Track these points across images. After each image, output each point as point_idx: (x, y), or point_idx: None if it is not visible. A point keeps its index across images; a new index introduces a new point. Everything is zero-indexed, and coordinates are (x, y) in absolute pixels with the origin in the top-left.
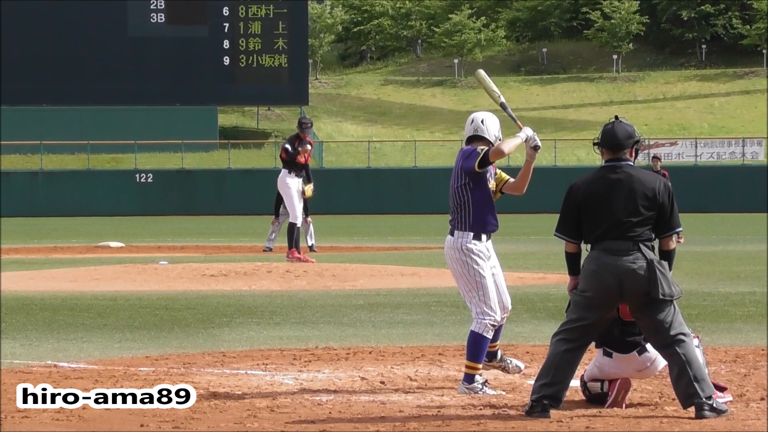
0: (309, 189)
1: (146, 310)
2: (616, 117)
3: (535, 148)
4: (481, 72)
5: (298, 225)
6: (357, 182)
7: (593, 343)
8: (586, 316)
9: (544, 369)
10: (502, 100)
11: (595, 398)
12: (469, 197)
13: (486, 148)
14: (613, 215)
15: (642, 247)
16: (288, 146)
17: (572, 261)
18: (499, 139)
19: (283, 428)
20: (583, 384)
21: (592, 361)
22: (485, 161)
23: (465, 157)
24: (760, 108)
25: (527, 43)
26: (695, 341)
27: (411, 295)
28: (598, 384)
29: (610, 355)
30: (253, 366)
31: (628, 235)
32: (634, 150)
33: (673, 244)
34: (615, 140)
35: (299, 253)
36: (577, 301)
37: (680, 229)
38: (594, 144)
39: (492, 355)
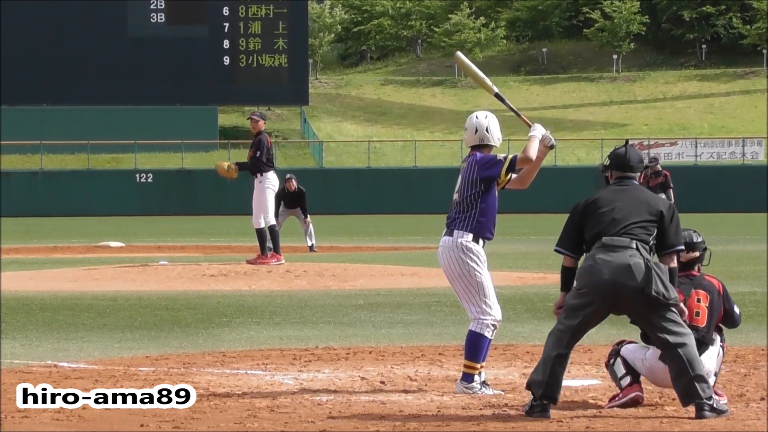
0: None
1: (146, 310)
2: (627, 141)
3: (551, 147)
4: (460, 55)
5: (258, 227)
6: (357, 182)
7: (649, 342)
8: (580, 314)
9: (538, 368)
10: (496, 90)
11: (609, 371)
12: (477, 204)
13: (507, 155)
14: (614, 214)
15: (639, 245)
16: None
17: (567, 276)
18: (500, 140)
19: (283, 428)
20: (616, 355)
21: (642, 348)
22: (512, 169)
23: (484, 165)
24: (760, 108)
25: (527, 43)
26: (717, 339)
27: (411, 295)
28: (624, 370)
29: (666, 362)
30: (253, 366)
31: (627, 233)
32: (643, 176)
33: (673, 263)
34: (628, 162)
35: (267, 257)
36: (570, 299)
37: (681, 247)
38: (604, 168)
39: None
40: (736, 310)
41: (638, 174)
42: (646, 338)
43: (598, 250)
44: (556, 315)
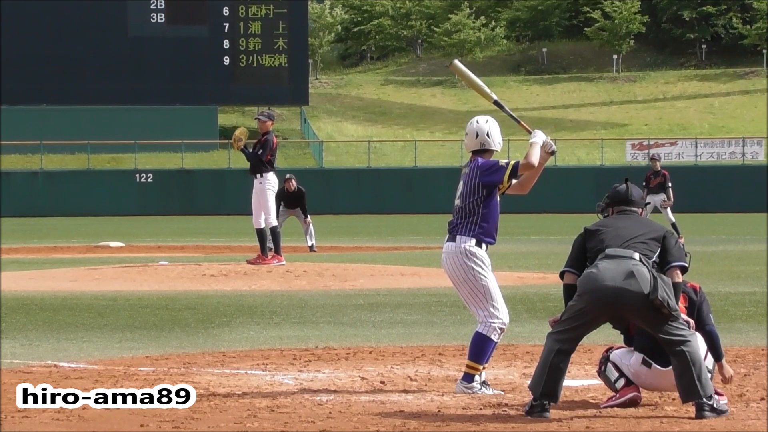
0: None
1: (146, 310)
2: (626, 179)
3: (552, 153)
4: (458, 63)
5: (259, 227)
6: (357, 182)
7: (631, 344)
8: (579, 317)
9: (538, 368)
10: (495, 97)
11: (603, 378)
12: (480, 209)
13: (509, 161)
14: (617, 231)
15: (642, 258)
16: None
17: (570, 292)
18: (500, 144)
19: (283, 428)
20: (605, 361)
21: (628, 352)
22: (515, 175)
23: (487, 171)
24: (760, 108)
25: (527, 43)
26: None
27: (411, 295)
28: (617, 374)
29: (648, 365)
30: (253, 366)
31: (630, 247)
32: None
33: (678, 278)
34: (629, 198)
35: (267, 257)
36: (570, 302)
37: (685, 264)
38: (603, 208)
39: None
40: (711, 318)
41: (640, 210)
42: (629, 341)
43: (600, 260)
44: (550, 325)
